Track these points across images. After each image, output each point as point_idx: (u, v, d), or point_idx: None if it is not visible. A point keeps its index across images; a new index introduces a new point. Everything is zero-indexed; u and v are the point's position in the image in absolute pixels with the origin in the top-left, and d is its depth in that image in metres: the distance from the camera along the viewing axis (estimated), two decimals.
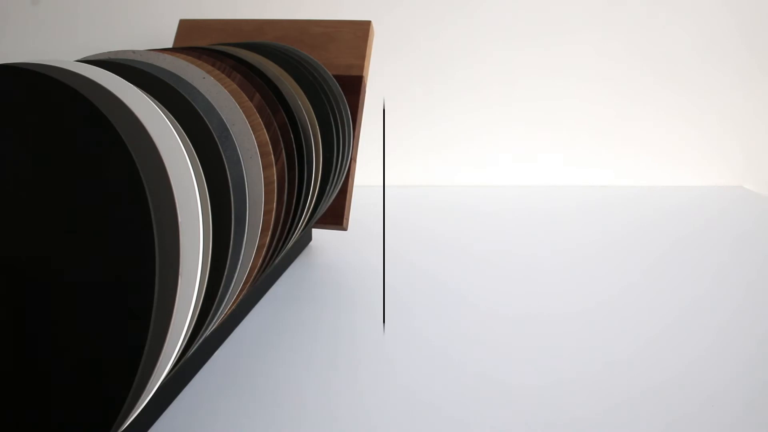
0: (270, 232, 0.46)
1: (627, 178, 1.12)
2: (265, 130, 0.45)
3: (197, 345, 0.40)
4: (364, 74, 0.71)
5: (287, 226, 0.51)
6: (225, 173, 0.37)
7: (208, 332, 0.41)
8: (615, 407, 0.43)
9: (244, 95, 0.46)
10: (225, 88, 0.44)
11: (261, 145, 0.44)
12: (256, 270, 0.48)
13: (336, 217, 0.72)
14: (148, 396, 0.32)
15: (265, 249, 0.45)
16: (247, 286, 0.49)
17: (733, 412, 0.43)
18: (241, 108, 0.43)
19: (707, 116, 1.10)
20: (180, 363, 0.38)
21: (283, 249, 0.55)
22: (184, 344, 0.34)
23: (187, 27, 0.79)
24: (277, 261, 0.59)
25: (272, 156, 0.45)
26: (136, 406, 0.30)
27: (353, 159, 0.71)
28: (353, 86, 0.71)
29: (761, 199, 1.05)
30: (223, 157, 0.38)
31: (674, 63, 1.07)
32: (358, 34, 0.72)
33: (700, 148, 1.12)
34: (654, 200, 1.02)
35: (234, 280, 0.41)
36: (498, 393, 0.45)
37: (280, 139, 0.48)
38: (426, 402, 0.44)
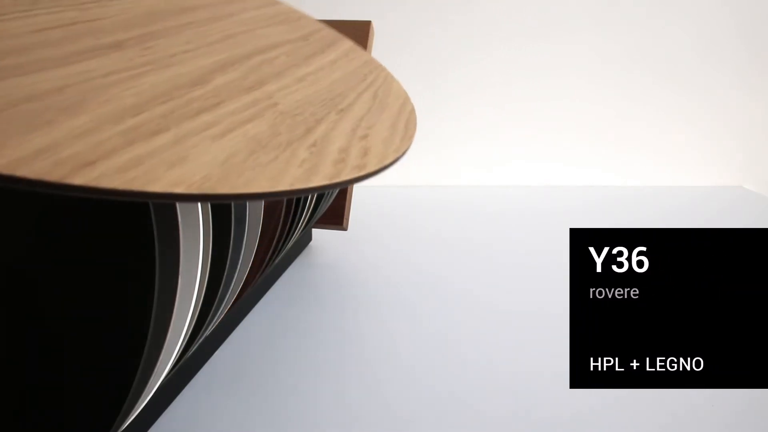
0: (270, 232, 0.46)
1: (627, 178, 1.12)
2: None
3: (197, 345, 0.40)
4: None
5: (287, 226, 0.51)
6: None
7: (208, 332, 0.41)
8: (615, 406, 0.43)
9: None
10: None
11: None
12: (256, 270, 0.48)
13: (336, 217, 0.72)
14: (148, 396, 0.32)
15: (264, 249, 0.45)
16: (248, 286, 0.49)
17: (733, 412, 0.43)
18: None
19: (707, 116, 1.10)
20: (180, 363, 0.38)
21: (283, 249, 0.55)
22: (184, 344, 0.34)
23: None
24: (277, 261, 0.59)
25: None
26: (136, 406, 0.30)
27: None
28: None
29: (761, 199, 1.05)
30: None
31: (674, 63, 1.07)
32: (358, 34, 0.72)
33: (700, 148, 1.12)
34: (654, 200, 1.02)
35: (234, 280, 0.41)
36: (507, 388, 0.45)
37: None
38: (435, 398, 0.44)
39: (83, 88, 0.20)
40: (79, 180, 0.15)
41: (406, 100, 0.36)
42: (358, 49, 0.43)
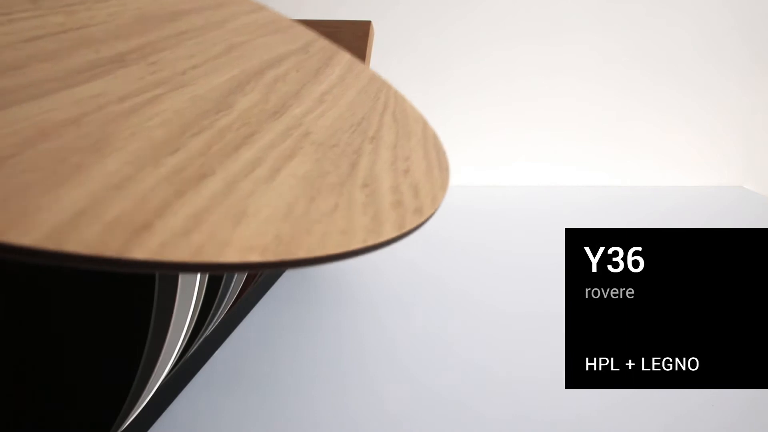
0: None
1: (627, 178, 1.12)
2: None
3: (197, 345, 0.40)
4: None
5: None
6: None
7: (208, 332, 0.41)
8: (615, 406, 0.43)
9: None
10: None
11: None
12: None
13: None
14: (148, 396, 0.32)
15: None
16: (248, 286, 0.49)
17: (733, 412, 0.43)
18: None
19: (707, 116, 1.10)
20: (180, 362, 0.38)
21: None
22: (184, 344, 0.34)
23: None
24: None
25: None
26: (136, 406, 0.30)
27: None
28: None
29: (761, 199, 1.05)
30: None
31: (674, 63, 1.07)
32: (358, 34, 0.72)
33: (700, 148, 1.12)
34: (654, 200, 1.02)
35: (234, 280, 0.41)
36: (504, 388, 0.45)
37: None
38: (433, 399, 0.44)
39: (101, 118, 0.18)
40: (141, 253, 0.13)
41: (425, 124, 0.36)
42: (358, 61, 0.43)
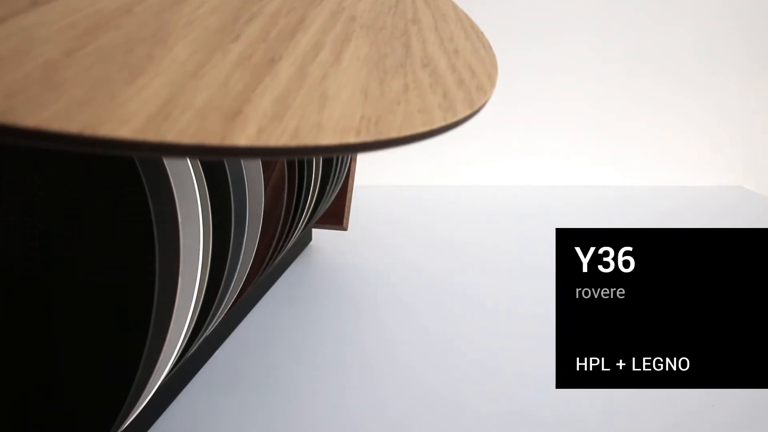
0: (270, 232, 0.46)
1: (627, 178, 1.12)
2: None
3: (197, 344, 0.40)
4: None
5: (287, 226, 0.51)
6: (224, 171, 0.37)
7: (208, 332, 0.41)
8: (616, 406, 0.43)
9: None
10: None
11: None
12: (256, 270, 0.48)
13: (336, 217, 0.72)
14: (148, 396, 0.32)
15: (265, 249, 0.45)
16: (248, 286, 0.49)
17: (733, 412, 0.43)
18: None
19: (707, 116, 1.10)
20: (180, 362, 0.38)
21: (283, 249, 0.55)
22: (184, 344, 0.34)
23: None
24: (277, 261, 0.59)
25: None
26: (136, 405, 0.30)
27: (353, 159, 0.71)
28: None
29: (761, 199, 1.05)
30: None
31: (675, 63, 1.07)
32: None
33: (700, 148, 1.12)
34: (654, 200, 1.02)
35: (234, 280, 0.41)
36: (504, 388, 0.45)
37: None
38: (433, 399, 0.44)
39: (152, 7, 0.17)
40: (243, 140, 0.12)
41: (454, 5, 0.35)
42: None
